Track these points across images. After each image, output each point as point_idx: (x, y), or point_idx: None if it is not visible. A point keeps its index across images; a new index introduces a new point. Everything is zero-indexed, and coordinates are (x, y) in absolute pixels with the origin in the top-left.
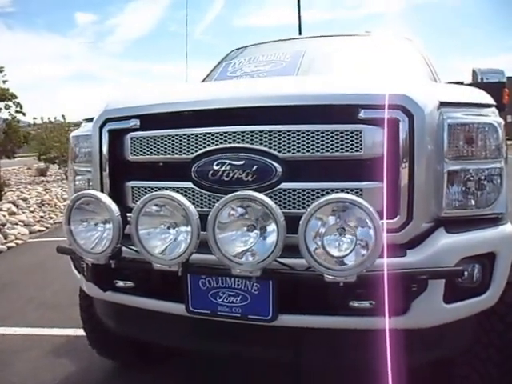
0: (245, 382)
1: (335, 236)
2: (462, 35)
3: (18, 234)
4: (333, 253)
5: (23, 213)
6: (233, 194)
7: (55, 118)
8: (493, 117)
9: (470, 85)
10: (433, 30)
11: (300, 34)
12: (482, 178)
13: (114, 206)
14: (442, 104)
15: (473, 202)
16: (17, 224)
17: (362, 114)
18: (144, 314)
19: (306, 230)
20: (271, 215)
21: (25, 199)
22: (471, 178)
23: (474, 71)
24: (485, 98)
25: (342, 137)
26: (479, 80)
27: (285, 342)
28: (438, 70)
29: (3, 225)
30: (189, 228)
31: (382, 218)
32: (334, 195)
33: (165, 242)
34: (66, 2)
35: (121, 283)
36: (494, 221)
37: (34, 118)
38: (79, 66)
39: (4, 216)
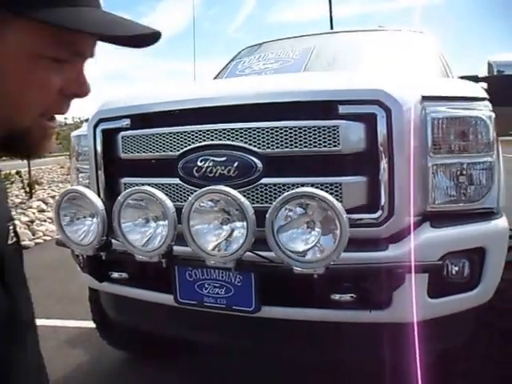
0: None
1: (302, 229)
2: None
3: (46, 230)
4: (300, 245)
5: (52, 210)
6: (204, 189)
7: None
8: (482, 110)
9: (484, 78)
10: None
11: (332, 28)
12: (469, 172)
13: (98, 201)
14: (425, 98)
15: (460, 197)
16: (45, 221)
17: (341, 110)
18: (139, 304)
19: (273, 223)
20: (240, 209)
21: (54, 197)
22: (457, 173)
23: (489, 64)
24: (474, 91)
25: (319, 132)
26: (495, 73)
27: (270, 334)
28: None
29: (32, 221)
30: (166, 222)
31: (362, 213)
32: (300, 189)
33: (145, 234)
34: None
35: (116, 274)
36: (484, 215)
37: (65, 118)
38: (111, 66)
39: (33, 213)
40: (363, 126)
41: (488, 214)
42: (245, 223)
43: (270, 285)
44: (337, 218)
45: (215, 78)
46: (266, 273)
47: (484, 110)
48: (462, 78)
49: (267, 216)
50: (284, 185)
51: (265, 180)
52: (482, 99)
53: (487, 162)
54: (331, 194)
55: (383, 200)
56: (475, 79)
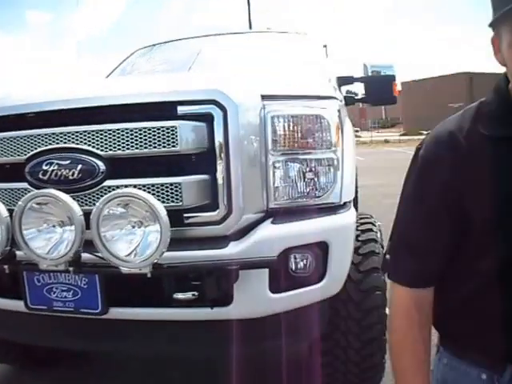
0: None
1: (126, 230)
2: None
3: None
4: (124, 246)
5: None
6: (32, 193)
7: None
8: (325, 109)
9: (360, 78)
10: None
11: (250, 28)
12: (311, 168)
13: None
14: (265, 97)
15: (302, 193)
16: None
17: (179, 110)
18: None
19: (98, 225)
20: (69, 212)
21: None
22: (299, 169)
23: (364, 65)
24: (320, 89)
25: (158, 133)
26: (370, 74)
27: (121, 335)
28: None
29: None
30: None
31: (203, 211)
32: (122, 190)
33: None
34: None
35: None
36: (327, 210)
37: None
38: (33, 66)
39: None
40: (201, 126)
41: (331, 209)
42: (73, 226)
43: (116, 286)
44: (157, 218)
45: (108, 75)
46: (111, 274)
47: (327, 109)
48: (339, 78)
49: (91, 218)
50: (126, 186)
51: (108, 182)
52: (328, 98)
53: (329, 159)
54: (171, 193)
55: (222, 198)
56: (351, 79)
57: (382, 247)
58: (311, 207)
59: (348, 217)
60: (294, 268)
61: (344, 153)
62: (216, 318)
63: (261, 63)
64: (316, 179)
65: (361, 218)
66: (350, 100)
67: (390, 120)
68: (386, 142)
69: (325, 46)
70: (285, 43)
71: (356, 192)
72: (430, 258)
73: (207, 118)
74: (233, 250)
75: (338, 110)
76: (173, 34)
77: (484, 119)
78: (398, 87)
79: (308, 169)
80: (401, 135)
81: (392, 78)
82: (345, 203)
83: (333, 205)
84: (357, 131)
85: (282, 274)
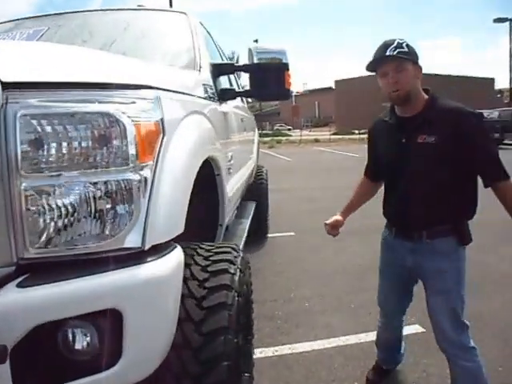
0: None
1: None
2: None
3: None
4: None
5: None
6: None
7: None
8: (121, 103)
9: (242, 66)
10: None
11: (171, 6)
12: (90, 196)
13: None
14: (9, 86)
15: (76, 234)
16: None
17: None
18: None
19: None
20: None
21: None
22: (70, 198)
23: (249, 50)
24: (114, 75)
25: None
26: (256, 61)
27: None
28: None
29: None
30: None
31: None
32: None
33: None
34: None
35: None
36: (121, 261)
37: None
38: None
39: None
40: None
41: (127, 258)
42: None
43: None
44: None
45: None
46: None
47: (125, 104)
48: (216, 65)
49: None
50: None
51: None
52: (131, 87)
53: (125, 182)
54: None
55: None
56: (231, 68)
57: (240, 295)
58: (91, 257)
59: (158, 268)
60: (63, 351)
61: (163, 171)
62: None
63: (101, 43)
64: (99, 213)
65: (216, 253)
66: (227, 94)
67: (323, 119)
68: (316, 141)
69: (255, 40)
70: (152, 22)
71: (267, 205)
72: (370, 166)
73: None
74: None
75: (158, 107)
76: None
77: (386, 113)
78: (328, 84)
79: (85, 197)
80: (331, 134)
81: (284, 66)
82: (154, 247)
83: (129, 251)
84: (289, 129)
85: (38, 363)
